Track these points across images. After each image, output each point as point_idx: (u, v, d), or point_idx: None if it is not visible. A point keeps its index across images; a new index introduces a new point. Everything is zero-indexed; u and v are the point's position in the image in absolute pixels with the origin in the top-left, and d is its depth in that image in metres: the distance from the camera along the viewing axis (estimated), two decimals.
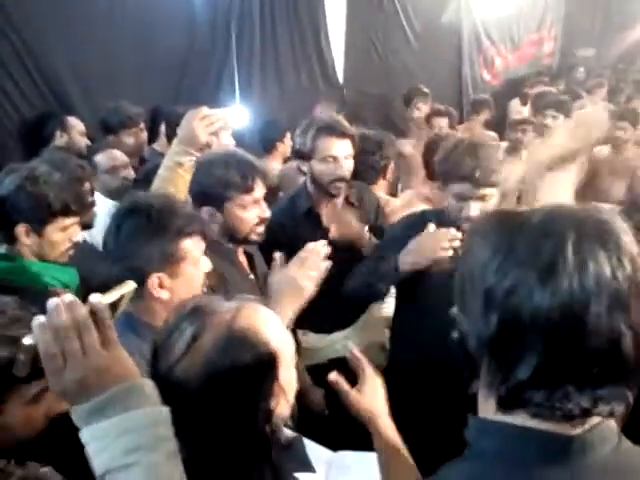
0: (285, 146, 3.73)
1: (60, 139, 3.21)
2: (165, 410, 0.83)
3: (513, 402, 0.72)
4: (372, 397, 1.22)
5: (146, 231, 1.37)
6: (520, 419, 0.72)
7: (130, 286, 0.91)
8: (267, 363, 0.97)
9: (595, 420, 0.72)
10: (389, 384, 1.29)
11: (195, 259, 1.43)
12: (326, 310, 1.83)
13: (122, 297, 0.89)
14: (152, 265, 1.36)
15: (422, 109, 4.74)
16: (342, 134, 2.19)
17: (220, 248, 1.83)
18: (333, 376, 1.22)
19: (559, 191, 3.09)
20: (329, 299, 1.87)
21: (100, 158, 2.85)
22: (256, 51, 4.65)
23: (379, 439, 1.19)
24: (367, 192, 2.48)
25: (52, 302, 0.76)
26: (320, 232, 2.24)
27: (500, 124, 4.84)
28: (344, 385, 1.22)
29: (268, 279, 1.60)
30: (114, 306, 0.86)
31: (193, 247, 1.43)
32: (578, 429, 0.72)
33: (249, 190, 1.80)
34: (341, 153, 2.19)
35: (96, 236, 2.57)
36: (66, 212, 1.75)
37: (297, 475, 1.06)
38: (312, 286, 1.51)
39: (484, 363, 0.74)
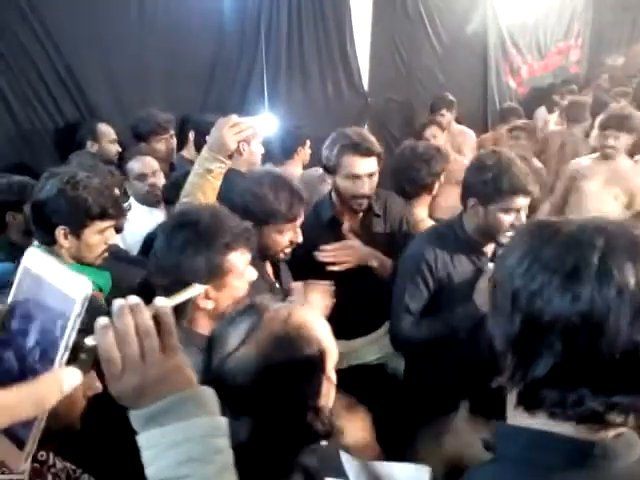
0: (305, 152, 3.74)
1: (91, 148, 3.30)
2: (223, 420, 0.80)
3: (530, 400, 0.74)
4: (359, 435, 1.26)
5: (195, 245, 1.41)
6: (541, 422, 0.74)
7: (196, 290, 0.88)
8: (319, 359, 1.03)
9: (620, 429, 0.73)
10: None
11: (241, 271, 1.47)
12: (347, 317, 1.87)
13: (188, 301, 0.86)
14: (200, 278, 1.39)
15: (446, 116, 4.82)
16: (366, 152, 2.19)
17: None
18: None
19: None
20: (350, 306, 1.92)
21: (132, 164, 2.92)
22: (283, 59, 4.69)
23: None
24: (393, 201, 2.47)
25: (117, 303, 0.74)
26: (342, 238, 2.29)
27: None
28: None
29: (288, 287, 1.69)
30: (179, 310, 0.84)
31: (239, 260, 1.46)
32: (601, 435, 0.73)
33: (292, 220, 1.87)
34: (364, 171, 2.19)
35: (127, 239, 2.62)
36: (103, 216, 1.80)
37: None
38: (322, 306, 1.72)
39: (508, 360, 0.76)
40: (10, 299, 0.74)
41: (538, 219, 0.85)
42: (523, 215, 1.93)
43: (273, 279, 1.99)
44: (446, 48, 6.08)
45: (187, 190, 1.96)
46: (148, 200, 2.88)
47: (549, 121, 5.57)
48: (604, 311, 0.67)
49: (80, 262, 1.83)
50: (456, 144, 4.66)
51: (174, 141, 3.51)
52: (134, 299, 0.75)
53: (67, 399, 1.07)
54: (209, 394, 0.80)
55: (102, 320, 0.73)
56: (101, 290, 1.86)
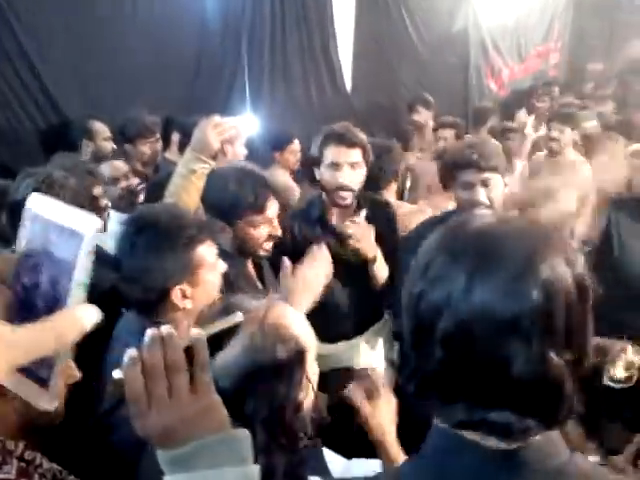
0: (290, 154, 3.73)
1: (87, 148, 3.29)
2: (255, 469, 0.73)
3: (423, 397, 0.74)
4: (384, 414, 1.25)
5: (158, 246, 1.38)
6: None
7: (237, 317, 0.81)
8: (298, 358, 1.02)
9: (533, 438, 0.71)
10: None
11: (211, 264, 1.46)
12: (329, 320, 1.88)
13: (228, 330, 0.80)
14: (172, 278, 1.38)
15: (422, 113, 4.90)
16: (349, 142, 2.19)
17: (229, 258, 1.86)
18: (346, 393, 1.26)
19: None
20: (333, 309, 1.93)
21: (102, 169, 2.90)
22: (266, 60, 4.69)
23: (386, 456, 1.22)
24: (383, 205, 2.47)
25: (149, 334, 0.68)
26: (331, 237, 2.29)
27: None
28: (358, 399, 1.25)
29: (280, 283, 1.66)
30: (217, 340, 0.79)
31: (207, 253, 1.45)
32: (510, 444, 0.71)
33: (261, 210, 1.84)
34: (345, 160, 2.19)
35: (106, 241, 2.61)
36: None
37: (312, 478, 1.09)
38: (323, 280, 1.64)
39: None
40: (20, 245, 0.70)
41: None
42: (493, 190, 2.00)
43: (257, 280, 1.99)
44: (428, 49, 6.13)
45: (171, 191, 1.97)
46: (123, 204, 2.87)
47: (526, 123, 5.63)
48: (469, 319, 0.68)
49: None
50: None
51: (160, 144, 3.50)
52: (167, 329, 0.69)
53: None
54: (242, 438, 0.73)
55: (131, 352, 0.68)
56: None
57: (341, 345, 2.32)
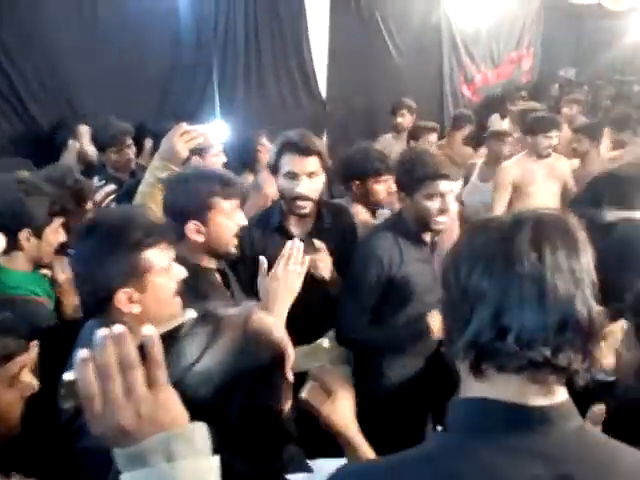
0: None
1: (73, 148, 3.32)
2: (215, 460, 0.74)
3: (483, 357, 0.79)
4: (343, 411, 1.26)
5: (103, 249, 1.34)
6: (486, 389, 0.81)
7: (191, 314, 0.82)
8: (279, 362, 1.02)
9: (559, 399, 0.80)
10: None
11: (162, 269, 1.39)
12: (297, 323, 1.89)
13: (181, 326, 0.79)
14: (115, 282, 1.33)
15: (406, 117, 4.98)
16: (305, 151, 2.13)
17: (197, 269, 1.83)
18: (304, 395, 1.26)
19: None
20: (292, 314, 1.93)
21: None
22: (239, 66, 4.70)
23: (350, 452, 1.23)
24: (344, 214, 2.44)
25: (100, 334, 0.68)
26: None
27: (479, 139, 4.93)
28: (315, 404, 1.26)
29: (258, 284, 1.64)
30: (172, 337, 0.77)
31: (157, 257, 1.38)
32: (540, 402, 0.79)
33: (228, 196, 1.82)
34: (303, 170, 2.14)
35: None
36: (63, 212, 1.85)
37: (291, 476, 1.09)
38: (299, 281, 1.63)
39: (454, 330, 0.83)
40: None
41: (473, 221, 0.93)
42: (450, 199, 2.08)
43: (224, 288, 1.96)
44: (402, 56, 6.20)
45: (138, 200, 1.94)
46: None
47: (502, 127, 5.72)
48: (541, 272, 0.77)
49: (39, 264, 1.84)
50: None
51: (132, 151, 3.47)
52: (118, 328, 0.68)
53: (3, 401, 1.05)
54: (200, 431, 0.74)
55: (82, 353, 0.67)
56: (49, 296, 1.84)
57: (305, 348, 2.30)
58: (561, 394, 0.81)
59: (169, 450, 0.69)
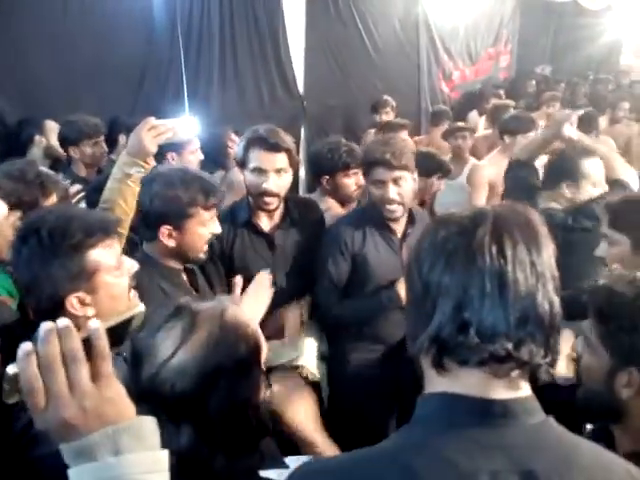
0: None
1: (39, 143, 3.23)
2: (163, 454, 0.74)
3: (445, 352, 0.79)
4: (305, 412, 1.26)
5: (41, 255, 1.26)
6: (448, 384, 0.81)
7: (138, 309, 0.82)
8: (255, 354, 1.03)
9: (520, 393, 0.80)
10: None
11: (110, 267, 1.33)
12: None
13: (129, 321, 0.79)
14: (62, 287, 1.26)
15: (389, 114, 5.07)
16: (274, 147, 2.11)
17: (163, 269, 1.82)
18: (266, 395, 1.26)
19: None
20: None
21: None
22: (215, 62, 4.65)
23: (308, 450, 1.23)
24: (311, 207, 2.46)
25: (43, 327, 0.67)
26: (259, 239, 2.25)
27: None
28: (279, 402, 1.26)
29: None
30: (120, 331, 0.76)
31: (103, 255, 1.31)
32: (501, 396, 0.79)
33: (210, 207, 1.79)
34: (270, 166, 2.12)
35: None
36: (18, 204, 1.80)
37: (265, 472, 1.07)
38: (265, 308, 1.72)
39: (417, 327, 0.82)
40: None
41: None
42: (403, 187, 2.15)
43: (190, 287, 1.92)
44: (380, 53, 6.19)
45: (106, 196, 1.89)
46: None
47: (478, 124, 5.74)
48: (502, 265, 0.77)
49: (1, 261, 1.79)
50: None
51: (103, 145, 3.40)
52: (63, 322, 0.68)
53: None
54: (148, 425, 0.73)
55: (25, 346, 0.66)
56: (11, 295, 1.78)
57: (272, 343, 2.28)
58: (524, 389, 0.81)
59: (116, 444, 0.69)
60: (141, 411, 0.75)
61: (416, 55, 6.75)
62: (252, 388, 1.02)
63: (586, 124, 4.20)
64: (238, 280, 1.71)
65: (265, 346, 1.12)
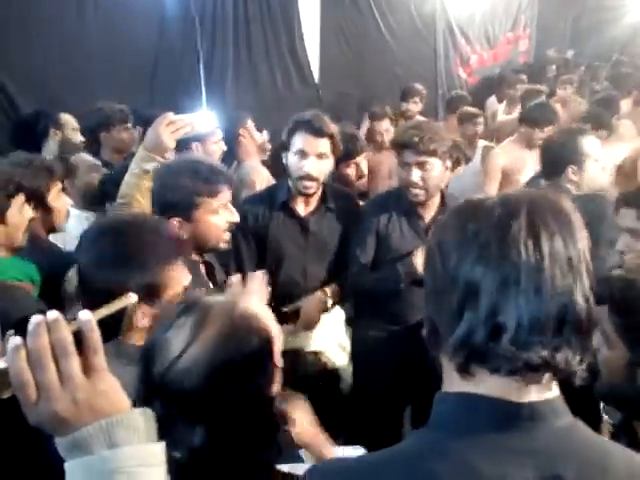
0: (252, 137, 3.54)
1: (54, 137, 3.21)
2: (158, 448, 0.72)
3: (474, 358, 0.73)
4: (304, 420, 1.26)
5: (127, 260, 1.26)
6: (472, 385, 0.75)
7: (130, 299, 0.78)
8: (268, 348, 1.00)
9: (548, 394, 0.75)
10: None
11: (178, 282, 1.32)
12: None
13: (121, 314, 0.77)
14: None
15: (418, 104, 4.96)
16: (318, 131, 2.16)
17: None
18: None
19: None
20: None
21: (74, 160, 2.84)
22: (229, 52, 4.64)
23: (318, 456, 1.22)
24: (349, 199, 2.48)
25: (32, 320, 0.66)
26: (293, 222, 2.28)
27: None
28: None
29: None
30: (111, 325, 0.74)
31: (176, 273, 1.31)
32: (529, 397, 0.74)
33: (215, 194, 1.76)
34: (312, 150, 2.16)
35: (69, 242, 2.53)
36: (19, 189, 1.80)
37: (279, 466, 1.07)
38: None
39: (447, 333, 0.76)
40: None
41: (462, 201, 0.85)
42: (428, 172, 2.13)
43: (207, 280, 1.91)
44: (396, 40, 6.12)
45: (123, 191, 1.87)
46: (88, 200, 2.79)
47: (497, 110, 5.65)
48: (538, 262, 0.71)
49: (11, 249, 1.79)
50: None
51: (133, 132, 3.39)
52: (52, 314, 0.67)
53: None
54: (143, 418, 0.72)
55: (14, 340, 0.65)
56: (33, 282, 1.79)
57: (291, 326, 2.28)
58: (553, 390, 0.76)
59: (110, 437, 0.68)
60: (153, 409, 0.74)
61: (433, 40, 6.66)
62: (265, 382, 1.00)
63: (606, 106, 4.10)
64: (234, 278, 1.70)
65: (280, 336, 1.09)
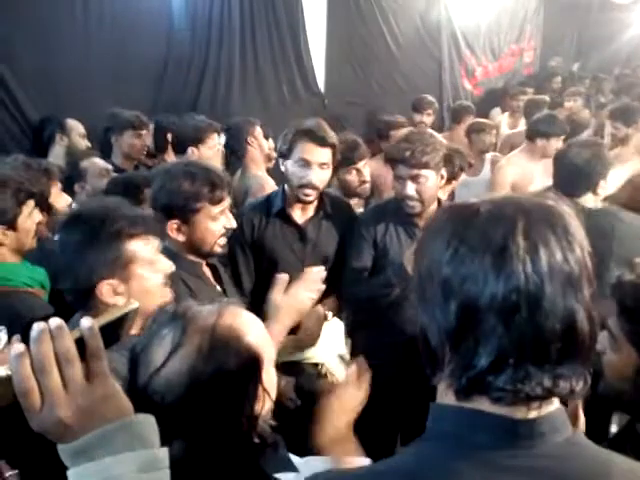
0: (259, 144, 3.50)
1: (61, 142, 3.22)
2: (161, 452, 0.73)
3: (474, 389, 0.72)
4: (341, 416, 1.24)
5: (84, 239, 1.31)
6: (475, 403, 0.73)
7: (133, 305, 0.79)
8: (251, 367, 0.97)
9: (547, 408, 0.73)
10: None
11: (147, 259, 1.37)
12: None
13: (125, 318, 0.77)
14: (97, 272, 1.30)
15: (431, 116, 4.94)
16: (321, 141, 2.15)
17: (185, 262, 1.81)
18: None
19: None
20: None
21: (84, 165, 2.86)
22: (236, 61, 4.66)
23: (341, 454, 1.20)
24: (345, 206, 2.48)
25: (35, 327, 0.66)
26: (291, 229, 2.27)
27: None
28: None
29: (270, 297, 1.59)
30: (115, 329, 0.75)
31: (141, 248, 1.36)
32: (527, 414, 0.72)
33: (218, 201, 1.78)
34: (315, 159, 2.16)
35: None
36: (29, 196, 1.83)
37: (278, 475, 1.03)
38: (309, 304, 1.64)
39: (446, 355, 0.74)
40: None
41: (451, 203, 0.86)
42: (422, 185, 2.14)
43: (214, 282, 1.92)
44: (402, 49, 6.13)
45: None
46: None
47: (501, 122, 5.66)
48: (539, 285, 0.68)
49: (21, 253, 1.82)
50: None
51: (145, 139, 3.40)
52: (55, 322, 0.67)
53: None
54: (146, 423, 0.72)
55: (17, 347, 0.66)
56: (43, 287, 1.80)
57: (291, 338, 2.27)
58: (554, 403, 0.74)
59: (113, 443, 0.68)
60: None
61: (438, 51, 6.67)
62: (247, 401, 0.96)
63: (625, 117, 4.07)
64: (284, 277, 1.62)
65: (272, 349, 1.07)
